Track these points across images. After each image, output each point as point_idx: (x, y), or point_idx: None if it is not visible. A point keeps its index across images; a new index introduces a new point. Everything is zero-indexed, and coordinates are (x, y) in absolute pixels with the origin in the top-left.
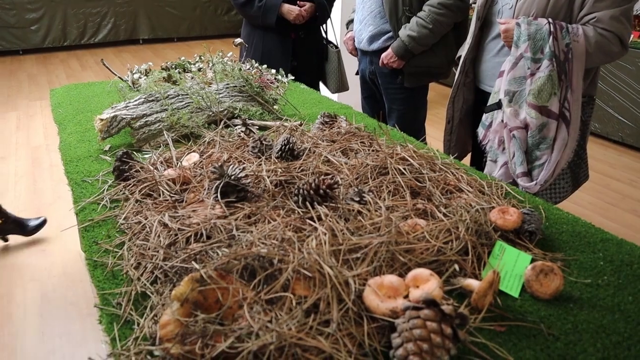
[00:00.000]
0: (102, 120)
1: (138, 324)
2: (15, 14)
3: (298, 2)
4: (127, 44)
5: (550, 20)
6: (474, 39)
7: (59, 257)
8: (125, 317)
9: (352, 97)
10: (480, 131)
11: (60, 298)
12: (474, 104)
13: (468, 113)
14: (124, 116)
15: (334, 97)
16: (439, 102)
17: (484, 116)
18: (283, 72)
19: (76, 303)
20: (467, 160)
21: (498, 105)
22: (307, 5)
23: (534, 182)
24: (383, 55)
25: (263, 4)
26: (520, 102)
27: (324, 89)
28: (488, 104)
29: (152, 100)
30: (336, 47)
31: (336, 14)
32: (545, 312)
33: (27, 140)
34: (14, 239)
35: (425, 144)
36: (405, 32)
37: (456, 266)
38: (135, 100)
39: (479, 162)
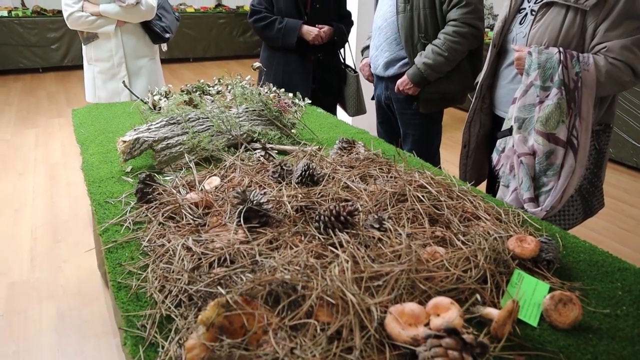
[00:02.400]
0: (124, 142)
1: (163, 347)
2: (37, 33)
3: (317, 25)
4: None
5: (561, 49)
6: (489, 66)
7: (74, 275)
8: (150, 339)
9: (367, 121)
10: (494, 156)
11: (76, 316)
12: (490, 129)
13: (485, 138)
14: (146, 138)
15: (349, 120)
16: (452, 126)
17: (498, 142)
18: (300, 96)
19: (91, 321)
20: (483, 185)
21: (510, 132)
22: (326, 27)
23: (540, 208)
24: (399, 81)
25: (283, 25)
26: (529, 129)
27: (339, 111)
28: (501, 130)
29: (174, 123)
30: (355, 71)
31: (351, 39)
32: (564, 342)
33: (45, 158)
34: (31, 255)
35: (440, 168)
36: (420, 59)
37: (478, 296)
38: (157, 123)
39: (493, 186)
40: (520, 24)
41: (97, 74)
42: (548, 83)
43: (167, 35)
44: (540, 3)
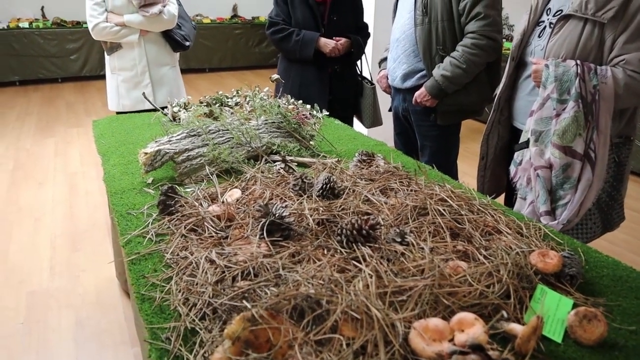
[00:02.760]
0: (146, 154)
1: None
2: (56, 44)
3: (334, 37)
4: None
5: (578, 62)
6: (508, 78)
7: (93, 284)
8: (175, 352)
9: (384, 132)
10: (512, 169)
11: (94, 325)
12: (508, 141)
13: (503, 150)
14: (168, 150)
15: (365, 131)
16: (468, 137)
17: (515, 154)
18: (318, 108)
19: (109, 331)
20: (501, 197)
21: (527, 144)
22: (343, 40)
23: (556, 222)
24: (416, 94)
25: (301, 37)
26: (545, 142)
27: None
28: (519, 142)
29: (194, 135)
30: (371, 83)
31: (367, 51)
32: (589, 359)
33: (64, 167)
34: (50, 264)
35: (457, 179)
36: (439, 71)
37: (504, 313)
38: (178, 135)
39: (511, 199)
40: (539, 37)
41: (120, 83)
42: (565, 96)
43: (187, 43)
44: (558, 16)
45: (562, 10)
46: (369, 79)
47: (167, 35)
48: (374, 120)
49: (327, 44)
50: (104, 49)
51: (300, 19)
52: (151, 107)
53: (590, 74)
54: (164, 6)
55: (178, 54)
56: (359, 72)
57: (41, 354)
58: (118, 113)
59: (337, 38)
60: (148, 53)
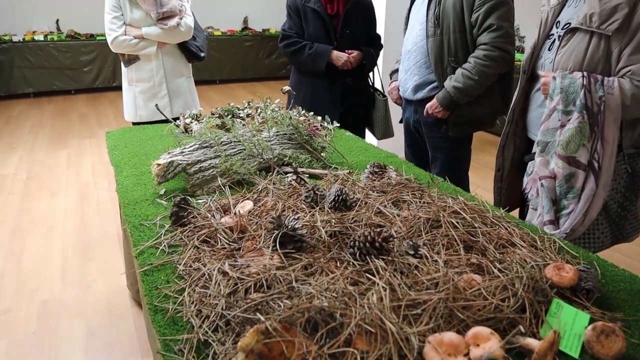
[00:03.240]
0: (159, 165)
1: None
2: (70, 56)
3: (346, 50)
4: None
5: (585, 73)
6: (521, 91)
7: (104, 294)
8: None
9: (395, 144)
10: (525, 179)
11: (105, 335)
12: (524, 153)
13: (519, 161)
14: (180, 162)
15: (375, 142)
16: (480, 148)
17: (528, 165)
18: (329, 119)
19: (120, 341)
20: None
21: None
22: (355, 53)
23: (559, 231)
24: (428, 105)
25: (313, 50)
26: (550, 153)
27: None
28: (530, 154)
29: (206, 147)
30: (383, 95)
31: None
32: None
33: (76, 178)
34: (62, 273)
35: (469, 192)
36: (450, 83)
37: (521, 327)
38: (190, 146)
39: (525, 210)
40: (549, 50)
41: (138, 94)
42: (570, 107)
43: (202, 54)
44: (565, 29)
45: (570, 24)
46: (381, 90)
47: (183, 47)
48: (385, 132)
49: (340, 57)
50: (122, 61)
51: (312, 32)
52: (169, 116)
53: (597, 85)
54: (181, 18)
55: (191, 65)
56: (371, 84)
57: None
58: (134, 124)
59: (350, 51)
60: (165, 64)
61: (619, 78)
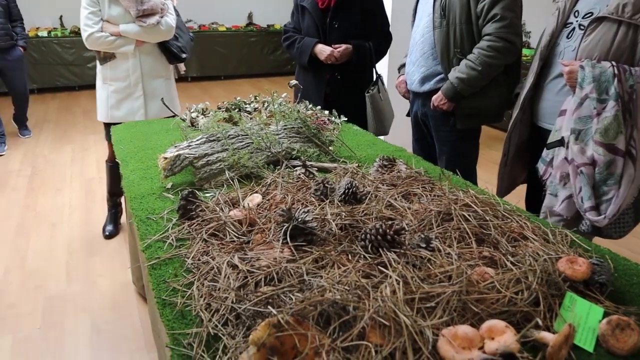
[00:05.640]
0: (166, 158)
1: None
2: (73, 52)
3: (332, 44)
4: (176, 82)
5: (613, 63)
6: (535, 78)
7: (109, 289)
8: (197, 358)
9: (402, 138)
10: (541, 167)
11: (110, 330)
12: (527, 139)
13: (522, 148)
14: (187, 155)
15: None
16: (486, 144)
17: (545, 152)
18: (337, 114)
19: (125, 336)
20: (517, 192)
21: (560, 143)
22: (343, 47)
23: (603, 216)
24: (433, 97)
25: (301, 44)
26: (586, 140)
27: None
28: (549, 141)
29: (214, 140)
30: (369, 91)
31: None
32: None
33: (81, 173)
34: (67, 269)
35: (478, 186)
36: (454, 74)
37: (539, 320)
38: (197, 140)
39: (533, 195)
40: (568, 38)
41: (111, 93)
42: (604, 96)
43: (184, 56)
44: (591, 18)
45: (592, 13)
46: (381, 85)
47: (164, 47)
48: (377, 129)
49: (323, 51)
50: (97, 59)
51: (305, 26)
52: (142, 119)
53: (626, 74)
54: (162, 17)
55: (173, 66)
56: (375, 78)
57: (58, 358)
58: (107, 125)
59: (337, 45)
60: (143, 64)
61: None
